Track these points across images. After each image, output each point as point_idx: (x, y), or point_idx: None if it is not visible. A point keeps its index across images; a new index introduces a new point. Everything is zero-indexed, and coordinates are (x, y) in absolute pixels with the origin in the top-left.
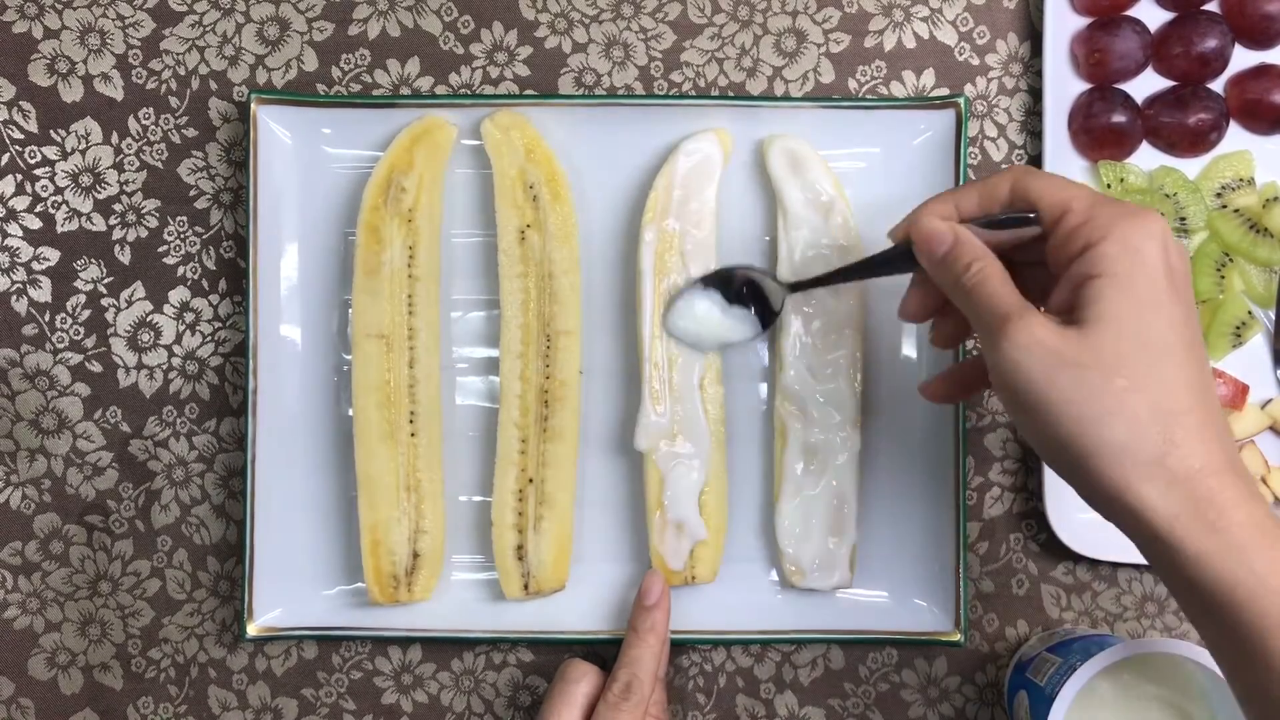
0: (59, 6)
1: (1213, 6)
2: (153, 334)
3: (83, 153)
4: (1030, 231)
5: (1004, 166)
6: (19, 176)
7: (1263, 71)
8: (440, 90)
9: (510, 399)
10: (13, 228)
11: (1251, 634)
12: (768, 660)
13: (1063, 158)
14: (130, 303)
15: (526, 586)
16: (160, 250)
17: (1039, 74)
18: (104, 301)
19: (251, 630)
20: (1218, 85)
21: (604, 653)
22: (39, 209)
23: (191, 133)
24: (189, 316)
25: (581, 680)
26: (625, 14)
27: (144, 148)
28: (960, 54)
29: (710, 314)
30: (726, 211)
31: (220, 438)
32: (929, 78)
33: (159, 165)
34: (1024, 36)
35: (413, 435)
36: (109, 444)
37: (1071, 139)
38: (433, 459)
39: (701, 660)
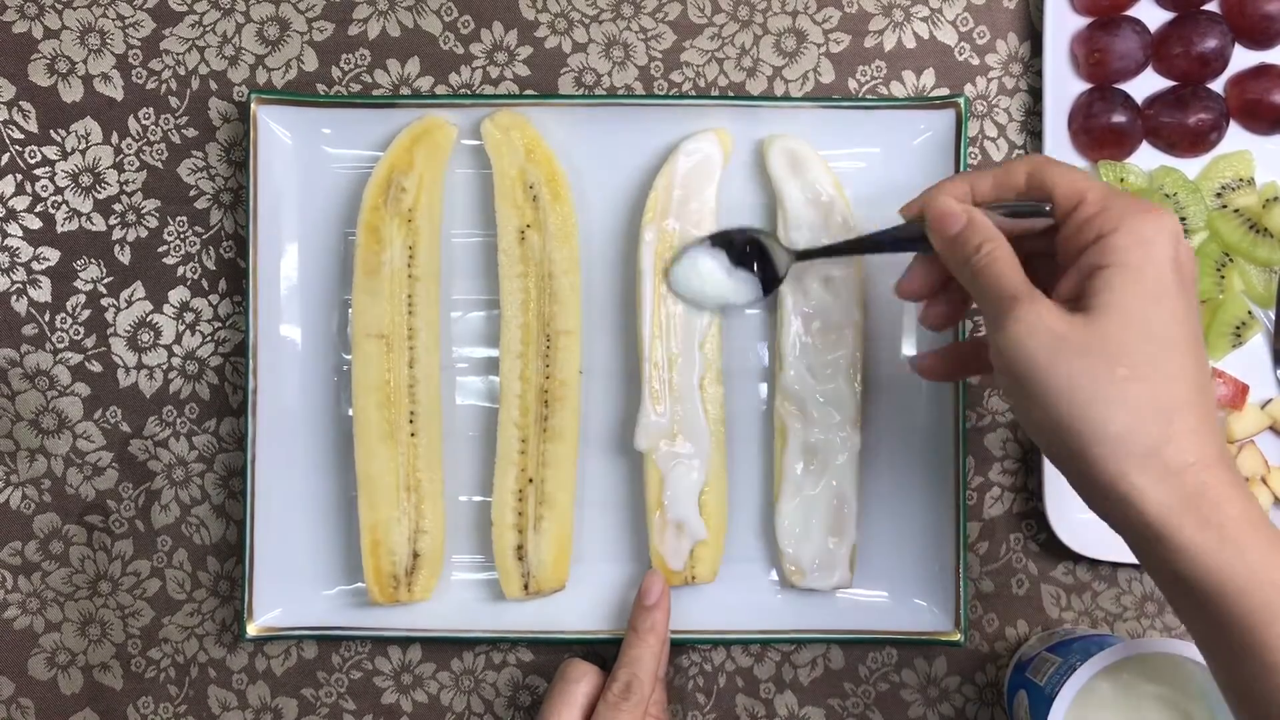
0: (59, 6)
1: (1213, 6)
2: (153, 334)
3: (83, 153)
4: (1042, 222)
5: None
6: (19, 176)
7: (1263, 71)
8: (440, 90)
9: (510, 399)
10: (13, 228)
11: (1243, 628)
12: (768, 660)
13: (1063, 158)
14: (130, 303)
15: (526, 586)
16: (160, 250)
17: (1039, 74)
18: (104, 301)
19: (251, 630)
20: (1218, 85)
21: (604, 653)
22: (39, 209)
23: (191, 133)
24: (189, 316)
25: (581, 680)
26: (625, 14)
27: (144, 148)
28: (960, 54)
29: (714, 273)
30: (726, 211)
31: (220, 438)
32: (929, 78)
33: (159, 165)
34: (1024, 36)
35: (413, 435)
36: (109, 444)
37: (1071, 139)
38: (433, 459)
39: (701, 660)
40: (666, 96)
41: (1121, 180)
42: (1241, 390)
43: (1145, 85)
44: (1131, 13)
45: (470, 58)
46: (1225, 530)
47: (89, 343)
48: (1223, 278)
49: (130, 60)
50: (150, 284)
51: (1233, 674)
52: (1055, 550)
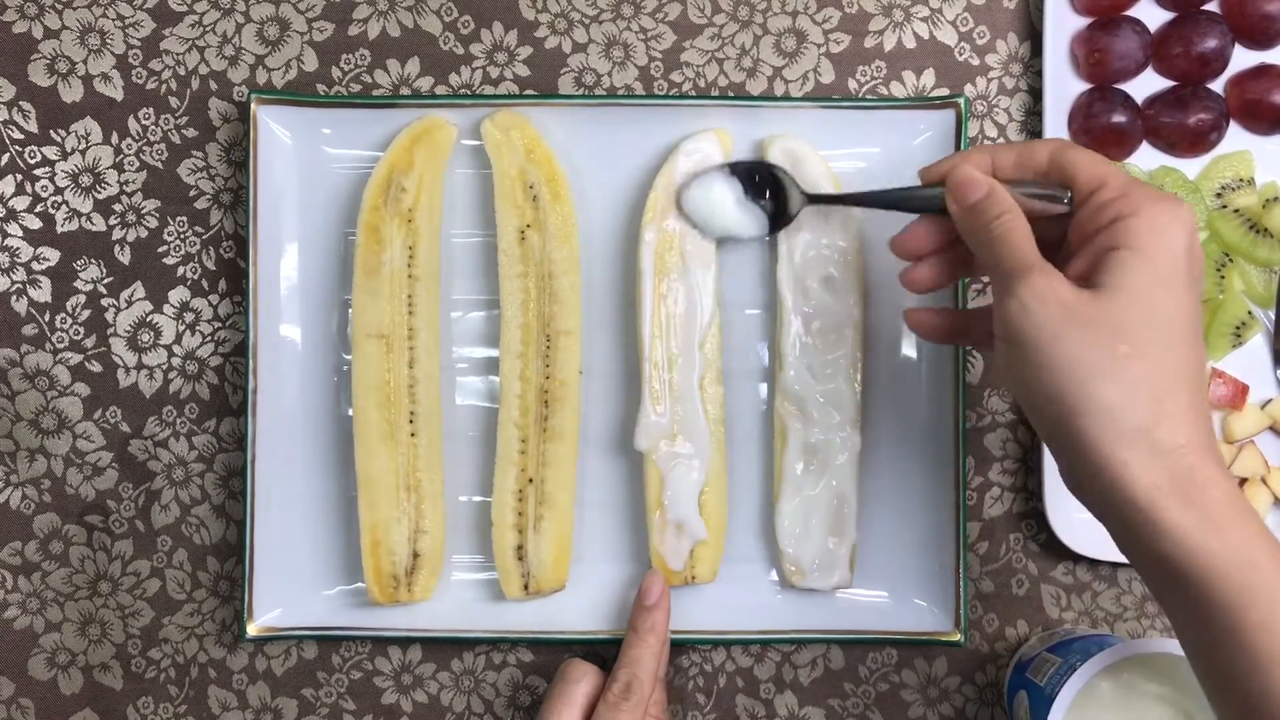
0: (59, 6)
1: (1213, 6)
2: (153, 334)
3: (83, 153)
4: (1056, 208)
5: None
6: (19, 176)
7: (1263, 71)
8: (440, 90)
9: (510, 399)
10: (13, 228)
11: (1223, 610)
12: (768, 660)
13: None
14: (130, 303)
15: (526, 586)
16: (160, 250)
17: (1039, 74)
18: (104, 301)
19: (251, 630)
20: (1218, 85)
21: (604, 653)
22: (39, 209)
23: (191, 133)
24: (189, 316)
25: (581, 680)
26: (625, 14)
27: (144, 148)
28: (960, 54)
29: (725, 199)
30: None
31: (220, 438)
32: (929, 78)
33: (159, 165)
34: (1024, 36)
35: (413, 435)
36: (109, 444)
37: (1071, 139)
38: (433, 459)
39: (701, 660)
40: (666, 96)
41: None
42: (1241, 390)
43: (1145, 85)
44: (1131, 13)
45: (470, 58)
46: (1208, 512)
47: (89, 343)
48: (1223, 278)
49: (130, 60)
50: (150, 284)
51: (1212, 660)
52: (1055, 550)
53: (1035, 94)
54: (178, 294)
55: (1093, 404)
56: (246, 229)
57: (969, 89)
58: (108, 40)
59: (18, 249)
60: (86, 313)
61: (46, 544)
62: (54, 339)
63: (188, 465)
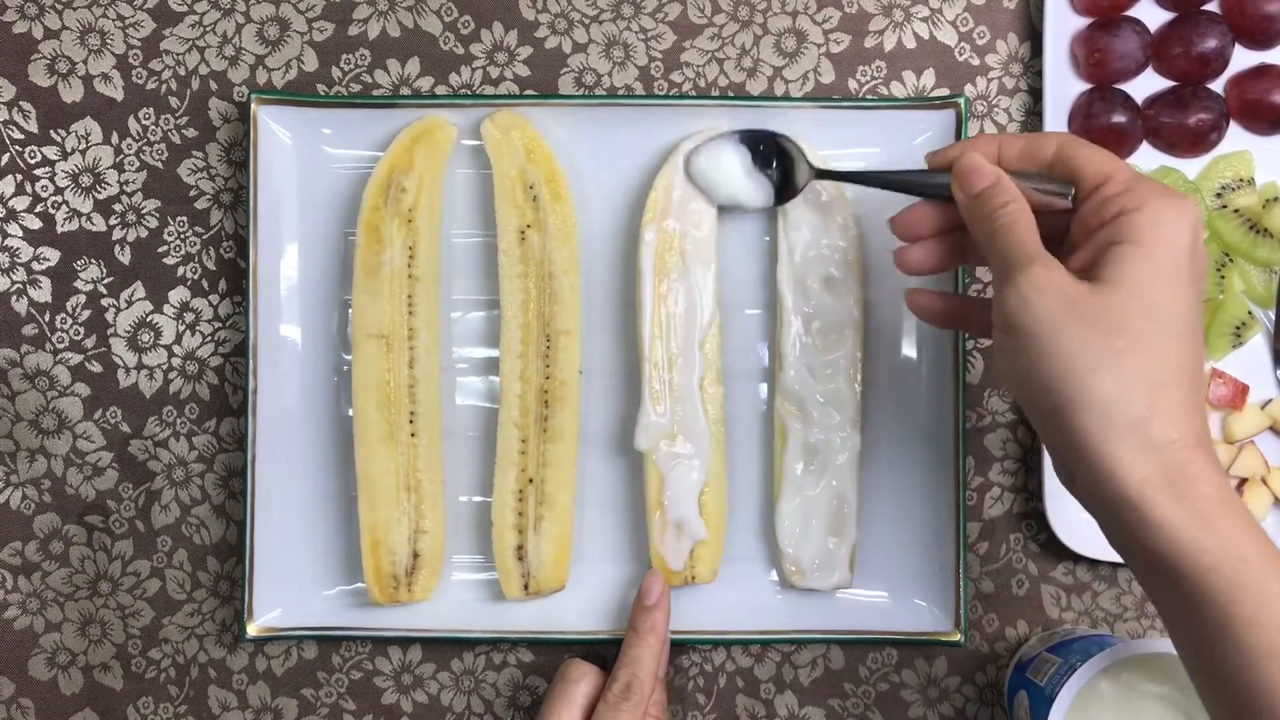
0: (59, 7)
1: (1213, 6)
2: (153, 334)
3: (83, 153)
4: (1060, 203)
5: None
6: (19, 176)
7: (1263, 71)
8: (440, 90)
9: (510, 399)
10: (13, 228)
11: (1213, 605)
12: (768, 660)
13: None
14: (130, 303)
15: (526, 586)
16: (160, 250)
17: (1039, 74)
18: (104, 301)
19: (251, 630)
20: (1218, 85)
21: (604, 653)
22: (39, 209)
23: (191, 133)
24: (189, 316)
25: (581, 680)
26: (625, 14)
27: (144, 148)
28: (960, 54)
29: (733, 166)
30: (726, 211)
31: (220, 438)
32: (929, 78)
33: (159, 165)
34: (1024, 37)
35: (413, 435)
36: (109, 444)
37: None
38: (433, 459)
39: (701, 660)
40: (666, 97)
41: None
42: (1241, 390)
43: (1145, 85)
44: (1131, 13)
45: (470, 58)
46: (1199, 506)
47: (89, 343)
48: (1223, 278)
49: (130, 60)
50: (150, 284)
51: (1203, 656)
52: (1055, 550)
53: (1035, 94)
54: (178, 294)
55: (1087, 397)
56: (246, 229)
57: (969, 89)
58: (108, 40)
59: (18, 249)
60: (87, 313)
61: (47, 544)
62: (54, 339)
63: (188, 465)
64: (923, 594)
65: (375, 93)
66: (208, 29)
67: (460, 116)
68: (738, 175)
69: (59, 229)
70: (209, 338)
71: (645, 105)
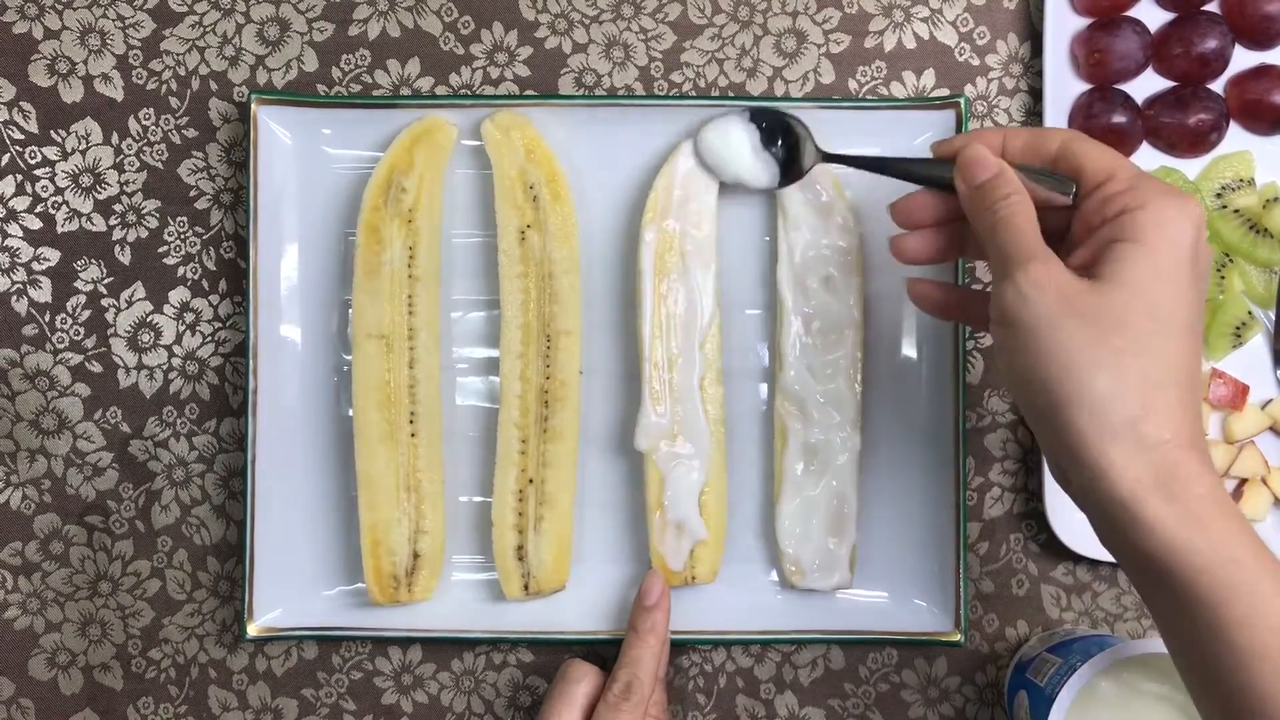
0: (59, 7)
1: (1213, 7)
2: (153, 334)
3: (83, 153)
4: (1061, 200)
5: None
6: (19, 177)
7: (1263, 72)
8: (440, 90)
9: (510, 399)
10: (13, 228)
11: (1205, 606)
12: (768, 660)
13: None
14: (130, 303)
15: (527, 587)
16: (160, 250)
17: (1039, 74)
18: (104, 302)
19: (251, 630)
20: (1218, 86)
21: (604, 653)
22: (39, 209)
23: (192, 133)
24: (189, 317)
25: (582, 680)
26: (625, 14)
27: (144, 148)
28: (960, 54)
29: (741, 143)
30: (726, 212)
31: (220, 438)
32: (929, 78)
33: (159, 166)
34: (1024, 37)
35: (413, 435)
36: (109, 444)
37: None
38: (433, 459)
39: (701, 660)
40: (667, 97)
41: None
42: (1241, 390)
43: (1145, 86)
44: (1131, 13)
45: (470, 58)
46: (1190, 507)
47: (89, 343)
48: (1223, 278)
49: (130, 61)
50: (150, 284)
51: (1195, 656)
52: (1055, 550)
53: (1035, 94)
54: (178, 294)
55: (1082, 396)
56: (247, 229)
57: (969, 89)
58: (108, 41)
59: (18, 249)
60: (87, 313)
61: (47, 544)
62: (54, 339)
63: (188, 465)
64: (923, 594)
65: (375, 93)
66: (208, 29)
67: (460, 116)
68: (745, 153)
69: (59, 229)
70: (209, 338)
71: (645, 105)
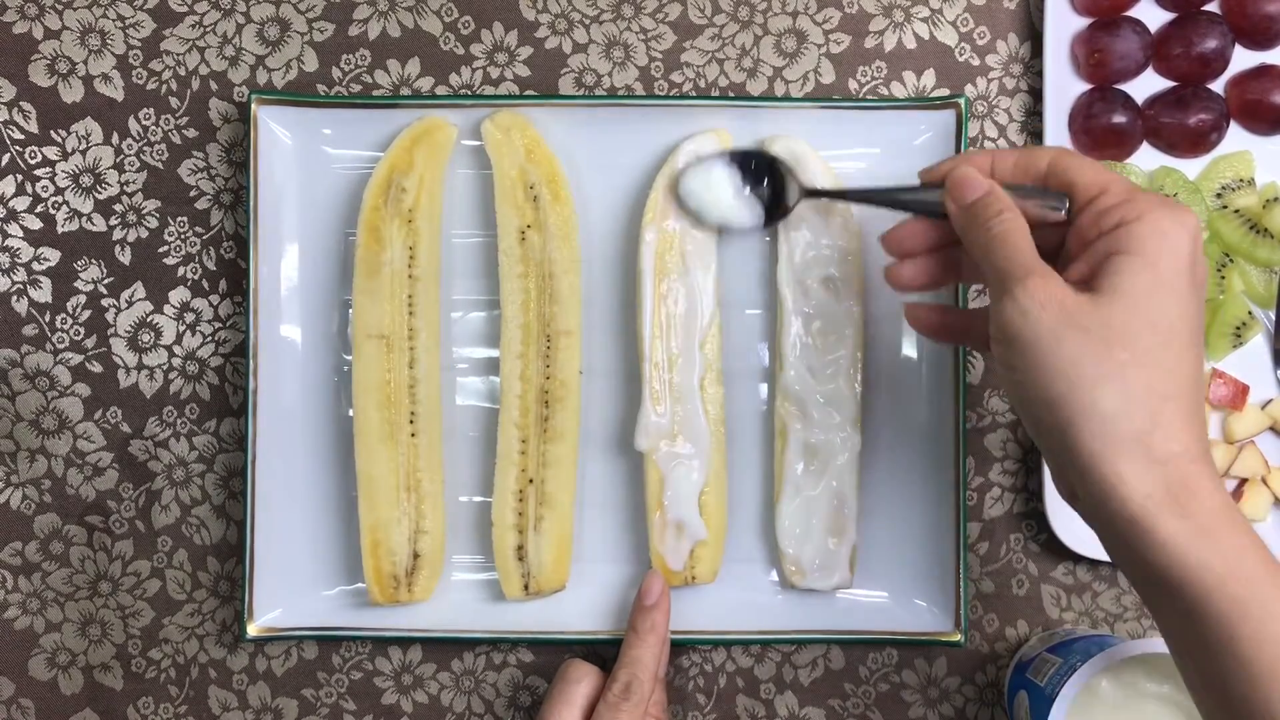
0: (59, 7)
1: (1213, 7)
2: (153, 334)
3: (83, 153)
4: (1054, 216)
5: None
6: (19, 177)
7: (1263, 72)
8: (440, 91)
9: (510, 399)
10: (13, 228)
11: (1217, 623)
12: (768, 660)
13: None
14: (130, 303)
15: (527, 587)
16: (160, 250)
17: (1039, 74)
18: (104, 302)
19: (252, 630)
20: (1218, 86)
21: (604, 653)
22: (39, 209)
23: (192, 133)
24: (189, 317)
25: (581, 680)
26: (625, 14)
27: (144, 148)
28: (960, 54)
29: (722, 187)
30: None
31: (220, 438)
32: (929, 78)
33: (159, 166)
34: (1024, 37)
35: (413, 435)
36: (109, 444)
37: (1072, 139)
38: (433, 459)
39: (701, 660)
40: (667, 97)
41: None
42: (1241, 390)
43: (1145, 86)
44: (1132, 13)
45: (470, 58)
46: (1202, 522)
47: (89, 343)
48: (1223, 278)
49: (130, 61)
50: (150, 284)
51: (1205, 673)
52: (1055, 550)
53: (1035, 94)
54: (178, 294)
55: (1089, 411)
56: (247, 229)
57: (969, 89)
58: (108, 41)
59: (18, 249)
60: (87, 313)
61: (47, 544)
62: (54, 339)
63: (188, 465)
64: (923, 594)
65: (375, 93)
66: (208, 29)
67: (460, 117)
68: (727, 196)
69: (59, 229)
70: (209, 338)
71: (645, 105)
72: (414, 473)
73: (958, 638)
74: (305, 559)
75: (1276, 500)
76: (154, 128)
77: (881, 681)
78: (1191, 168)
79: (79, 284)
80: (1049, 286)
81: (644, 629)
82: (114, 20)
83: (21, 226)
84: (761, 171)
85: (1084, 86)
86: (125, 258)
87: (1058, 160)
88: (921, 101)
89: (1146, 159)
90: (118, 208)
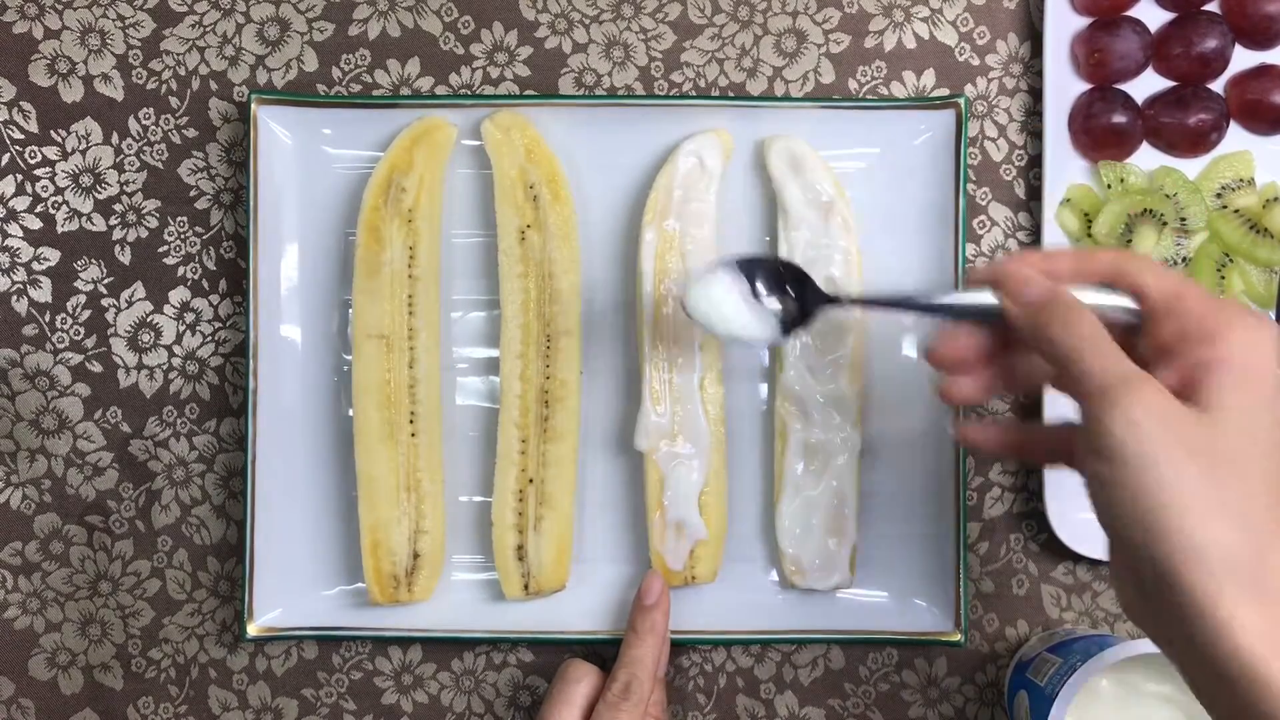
0: (59, 7)
1: (1213, 6)
2: (153, 334)
3: (83, 153)
4: (1128, 319)
5: (1004, 167)
6: (19, 177)
7: (1263, 72)
8: (440, 90)
9: (510, 399)
10: (13, 228)
11: None
12: (768, 660)
13: (1063, 158)
14: (130, 303)
15: (527, 587)
16: (160, 250)
17: (1039, 74)
18: (104, 302)
19: (252, 630)
20: (1218, 85)
21: (604, 653)
22: (39, 209)
23: (192, 133)
24: (189, 317)
25: (581, 680)
26: (625, 14)
27: (144, 148)
28: (960, 54)
29: (727, 301)
30: (726, 212)
31: (220, 438)
32: (929, 78)
33: (159, 165)
34: (1024, 37)
35: (413, 435)
36: (109, 444)
37: (1072, 139)
38: (433, 459)
39: (701, 660)
40: (667, 97)
41: (1122, 181)
42: None
43: (1145, 85)
44: (1132, 13)
45: (470, 58)
46: None
47: (89, 343)
48: (1223, 278)
49: (130, 60)
50: (150, 284)
51: None
52: (1055, 550)
53: (1035, 94)
54: (178, 294)
55: (1202, 549)
56: (247, 229)
57: (969, 89)
58: (108, 40)
59: (18, 249)
60: (87, 313)
61: (47, 544)
62: (54, 339)
63: (188, 465)
64: (923, 594)
65: (375, 93)
66: (208, 29)
67: (460, 116)
68: (735, 309)
69: (59, 229)
70: (209, 338)
71: (645, 105)
72: (414, 473)
73: (958, 638)
74: (305, 559)
75: None
76: (154, 128)
77: (881, 681)
78: (1191, 168)
79: (79, 284)
80: (1161, 398)
81: (644, 629)
82: (114, 20)
83: (21, 226)
84: (771, 279)
85: (1084, 86)
86: (125, 258)
87: (1121, 265)
88: (921, 101)
89: (1146, 159)
90: (118, 207)
